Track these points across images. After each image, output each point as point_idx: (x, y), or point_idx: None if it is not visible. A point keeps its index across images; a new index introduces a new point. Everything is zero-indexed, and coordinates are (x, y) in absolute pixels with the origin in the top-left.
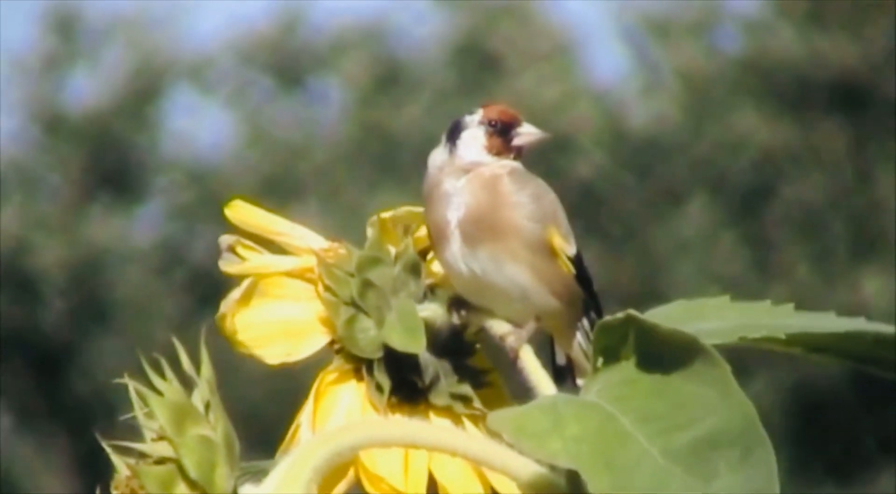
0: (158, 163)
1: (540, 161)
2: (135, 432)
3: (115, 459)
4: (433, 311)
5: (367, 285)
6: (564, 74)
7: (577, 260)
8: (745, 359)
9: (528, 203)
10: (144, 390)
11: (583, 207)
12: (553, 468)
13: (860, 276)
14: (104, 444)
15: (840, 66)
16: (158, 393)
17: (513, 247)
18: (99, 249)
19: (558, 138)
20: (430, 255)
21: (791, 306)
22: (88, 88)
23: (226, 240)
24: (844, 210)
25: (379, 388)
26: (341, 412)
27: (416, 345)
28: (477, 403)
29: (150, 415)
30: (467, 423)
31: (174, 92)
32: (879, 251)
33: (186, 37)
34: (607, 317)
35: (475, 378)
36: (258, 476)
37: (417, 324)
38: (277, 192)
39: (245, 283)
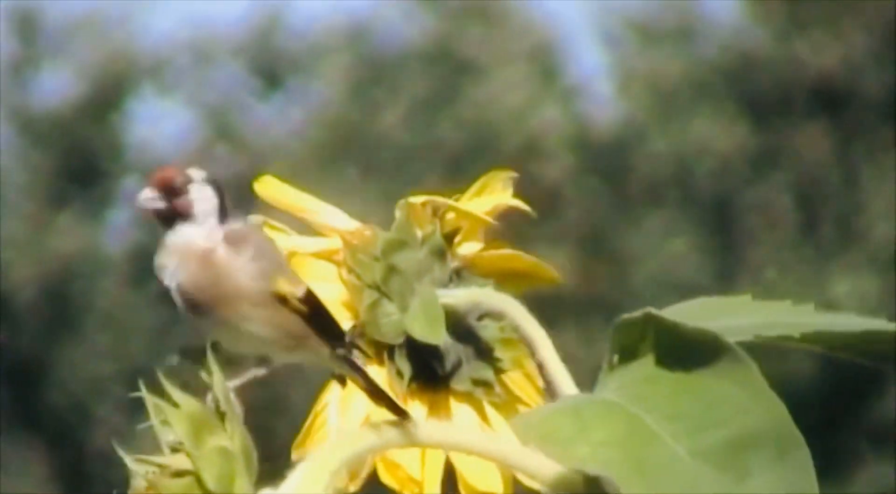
0: (126, 167)
1: (510, 164)
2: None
3: (134, 470)
4: (456, 297)
5: (391, 269)
6: (540, 76)
7: (307, 299)
8: None
9: (247, 264)
10: (160, 401)
11: (552, 210)
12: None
13: (829, 279)
14: (124, 456)
15: (819, 69)
16: (174, 403)
17: (242, 310)
18: (70, 258)
19: (529, 141)
20: (457, 238)
21: (811, 306)
22: (54, 90)
23: (253, 220)
24: (822, 212)
25: (399, 374)
26: (362, 397)
27: (437, 336)
28: (498, 389)
29: (165, 425)
30: (488, 409)
31: (142, 93)
32: (850, 253)
33: (156, 37)
34: (626, 315)
35: (498, 363)
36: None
37: (438, 314)
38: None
39: None
